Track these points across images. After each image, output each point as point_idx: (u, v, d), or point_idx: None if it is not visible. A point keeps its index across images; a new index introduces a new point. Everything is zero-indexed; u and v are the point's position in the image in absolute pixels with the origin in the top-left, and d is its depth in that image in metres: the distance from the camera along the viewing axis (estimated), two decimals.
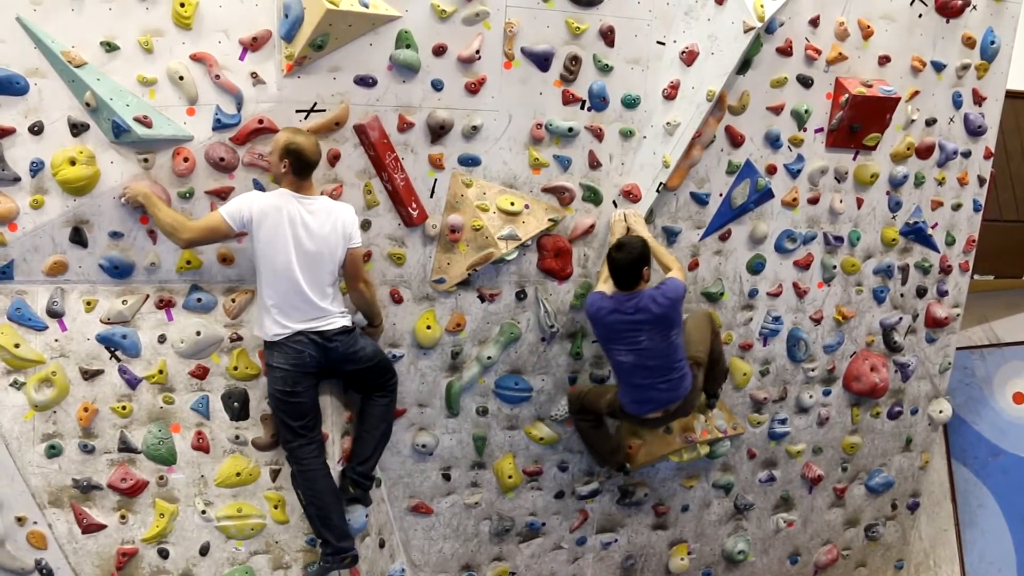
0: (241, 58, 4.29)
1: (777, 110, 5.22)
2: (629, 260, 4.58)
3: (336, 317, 4.30)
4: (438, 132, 4.64)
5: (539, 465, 5.29)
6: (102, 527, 4.36)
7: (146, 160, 4.22)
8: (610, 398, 4.91)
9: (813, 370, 5.81)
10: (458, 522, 5.23)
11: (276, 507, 4.48)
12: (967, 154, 5.86)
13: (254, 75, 4.29)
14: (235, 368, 4.47)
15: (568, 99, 4.84)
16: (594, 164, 4.97)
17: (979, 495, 8.08)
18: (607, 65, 4.84)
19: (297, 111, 4.38)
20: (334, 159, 4.50)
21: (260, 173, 4.40)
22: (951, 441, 8.08)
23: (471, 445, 5.14)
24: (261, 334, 4.31)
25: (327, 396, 4.55)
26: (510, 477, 5.21)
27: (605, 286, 4.73)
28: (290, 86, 4.34)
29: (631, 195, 5.00)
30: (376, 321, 4.63)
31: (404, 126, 4.57)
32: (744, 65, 5.00)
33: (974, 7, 5.51)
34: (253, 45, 4.28)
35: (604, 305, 4.65)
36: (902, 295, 5.97)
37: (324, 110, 4.42)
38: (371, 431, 4.56)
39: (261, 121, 4.32)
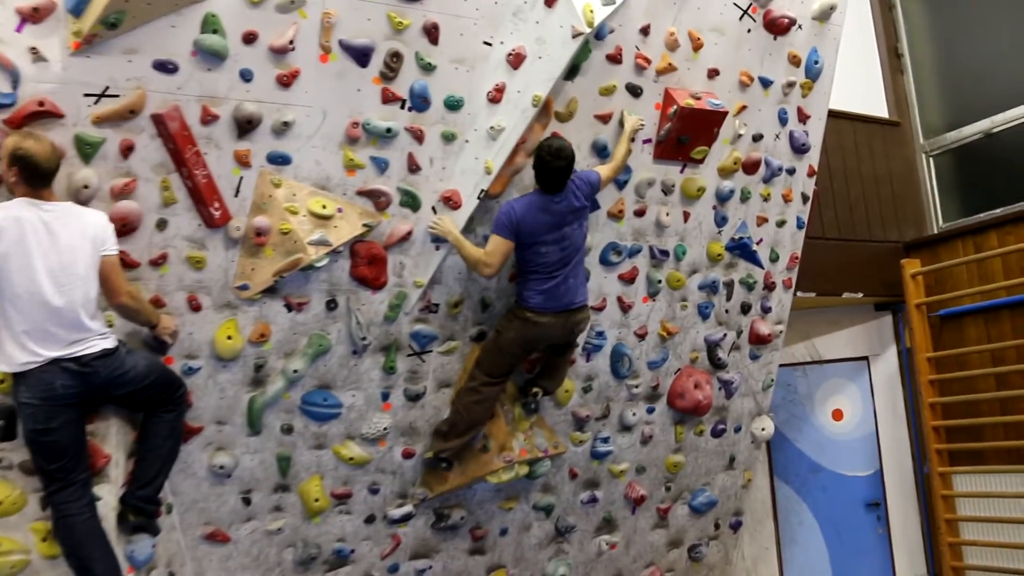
0: (18, 29, 4.04)
1: (605, 118, 5.38)
2: (566, 165, 4.92)
3: (95, 339, 4.06)
4: (245, 126, 4.54)
5: (348, 487, 5.25)
6: None
7: None
8: (503, 324, 5.21)
9: (637, 387, 6.00)
10: (259, 550, 5.11)
11: (44, 540, 4.18)
12: (792, 171, 6.22)
13: (34, 51, 4.06)
14: (1, 382, 4.17)
15: (387, 98, 4.83)
16: (413, 167, 4.97)
17: (799, 512, 8.59)
18: (430, 64, 4.87)
19: (85, 95, 4.19)
20: (127, 151, 4.33)
21: None
22: (773, 459, 8.56)
23: (274, 466, 5.05)
24: (5, 365, 4.00)
25: (111, 414, 4.34)
26: (316, 500, 5.15)
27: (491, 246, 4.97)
28: (77, 66, 4.14)
29: (451, 201, 5.04)
30: (154, 322, 4.43)
31: (208, 118, 4.46)
32: (572, 71, 5.13)
33: (799, 26, 5.86)
34: (34, 16, 4.05)
35: (530, 207, 4.95)
36: (727, 311, 6.26)
37: (117, 95, 4.24)
38: (155, 450, 4.37)
39: (42, 103, 4.09)
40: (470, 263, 5.03)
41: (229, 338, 4.74)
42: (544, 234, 4.96)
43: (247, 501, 5.02)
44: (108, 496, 4.24)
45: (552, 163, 4.90)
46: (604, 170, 5.24)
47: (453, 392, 5.36)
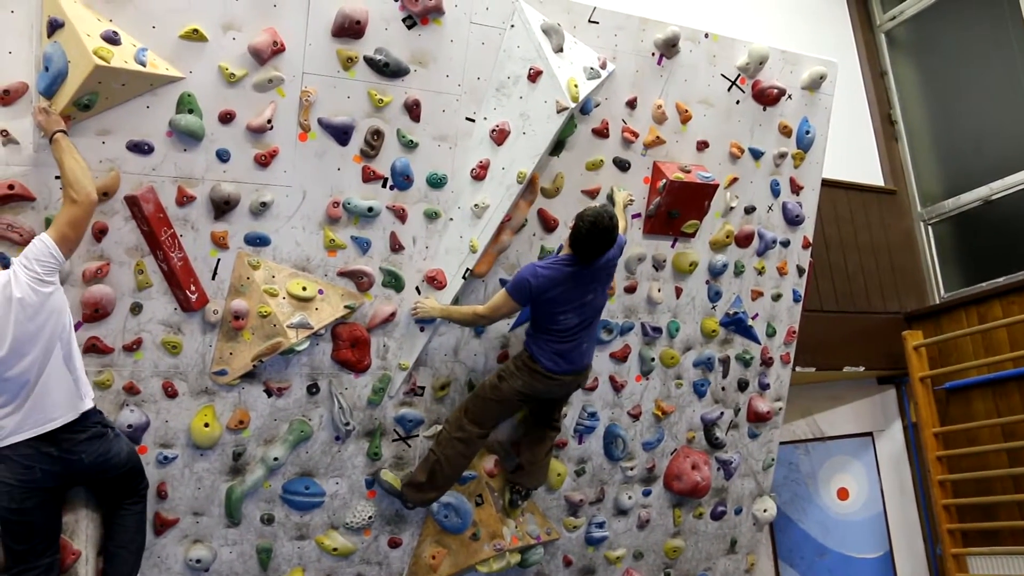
0: None
1: (593, 194, 5.43)
2: (604, 238, 4.81)
3: (82, 416, 3.99)
4: (223, 207, 4.57)
5: None
6: None
7: None
8: (507, 371, 5.10)
9: (632, 469, 5.95)
10: None
11: None
12: (786, 243, 6.25)
13: (4, 133, 4.11)
14: None
15: (369, 176, 4.87)
16: (396, 247, 5.00)
17: None
18: (412, 141, 4.91)
19: (57, 177, 4.19)
20: (100, 234, 4.36)
21: (9, 246, 4.17)
22: (777, 541, 8.46)
23: (254, 559, 4.99)
24: None
25: (81, 507, 4.29)
26: None
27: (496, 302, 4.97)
28: (49, 149, 4.15)
29: (435, 281, 5.05)
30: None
31: (184, 199, 4.49)
32: (558, 146, 5.20)
33: (789, 96, 5.95)
34: (4, 99, 4.11)
35: (555, 276, 4.86)
36: (723, 389, 6.24)
37: None
38: (128, 546, 4.31)
39: (12, 187, 4.13)
40: (466, 323, 5.09)
41: (206, 425, 4.71)
42: (565, 304, 4.92)
43: None
44: None
45: (588, 235, 4.78)
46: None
47: (433, 442, 5.24)
